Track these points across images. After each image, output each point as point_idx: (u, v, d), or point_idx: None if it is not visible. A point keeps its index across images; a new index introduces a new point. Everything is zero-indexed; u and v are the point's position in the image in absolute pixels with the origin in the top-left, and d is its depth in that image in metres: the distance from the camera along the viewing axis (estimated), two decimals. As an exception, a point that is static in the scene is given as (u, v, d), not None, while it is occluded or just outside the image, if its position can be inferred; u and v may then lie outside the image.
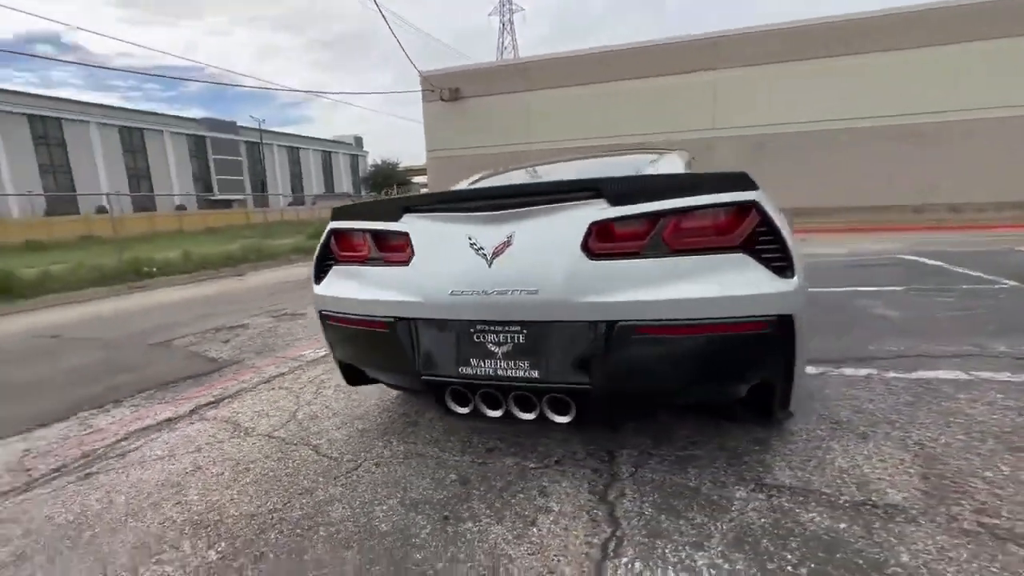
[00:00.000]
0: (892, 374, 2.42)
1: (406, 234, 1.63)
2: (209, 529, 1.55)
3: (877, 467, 1.63)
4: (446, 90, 19.54)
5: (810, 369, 2.53)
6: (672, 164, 2.21)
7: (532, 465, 1.80)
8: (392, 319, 1.64)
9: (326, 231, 1.87)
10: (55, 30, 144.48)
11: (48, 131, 38.90)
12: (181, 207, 44.95)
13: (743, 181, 1.38)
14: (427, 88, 19.96)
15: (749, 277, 1.36)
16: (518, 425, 1.94)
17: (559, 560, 1.31)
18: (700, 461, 1.75)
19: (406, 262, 1.62)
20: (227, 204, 48.27)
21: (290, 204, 52.90)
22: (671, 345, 1.41)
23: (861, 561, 1.23)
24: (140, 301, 6.64)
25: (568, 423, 1.54)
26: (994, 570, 1.17)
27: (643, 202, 1.39)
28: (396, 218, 1.66)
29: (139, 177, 45.67)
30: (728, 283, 1.36)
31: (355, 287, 1.75)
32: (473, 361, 1.55)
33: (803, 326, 1.43)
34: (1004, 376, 2.31)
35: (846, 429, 1.91)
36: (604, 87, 17.29)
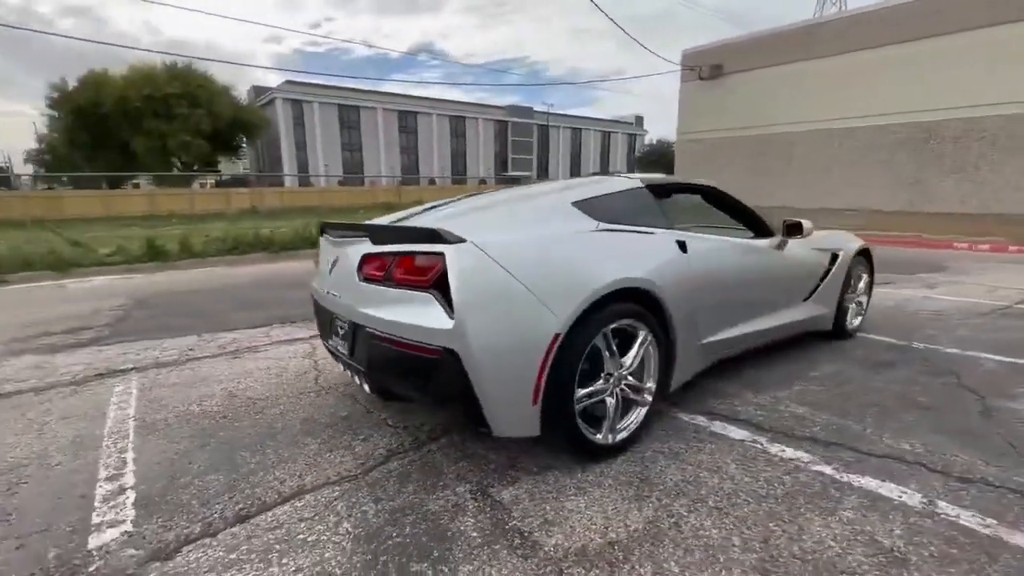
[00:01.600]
0: (826, 468, 1.98)
1: (318, 246, 2.47)
2: (230, 396, 2.81)
3: (589, 520, 1.68)
4: (705, 67, 18.30)
5: (740, 434, 2.27)
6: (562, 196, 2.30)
7: (390, 423, 2.45)
8: (315, 301, 2.53)
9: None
10: (428, 40, 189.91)
11: (408, 123, 53.19)
12: (483, 181, 55.01)
13: (437, 236, 1.70)
14: (686, 67, 19.07)
15: (431, 312, 1.69)
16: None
17: (310, 471, 2.01)
18: (482, 460, 2.08)
19: (318, 265, 2.47)
20: (516, 180, 56.52)
21: (566, 181, 57.40)
22: (389, 353, 1.85)
23: (436, 553, 1.53)
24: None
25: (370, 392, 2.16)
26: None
27: (383, 244, 1.87)
28: (320, 235, 2.51)
29: (458, 156, 57.91)
30: (417, 314, 1.72)
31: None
32: (334, 337, 2.30)
33: (477, 362, 1.66)
34: (965, 518, 1.64)
35: (628, 486, 1.86)
36: (918, 46, 13.18)
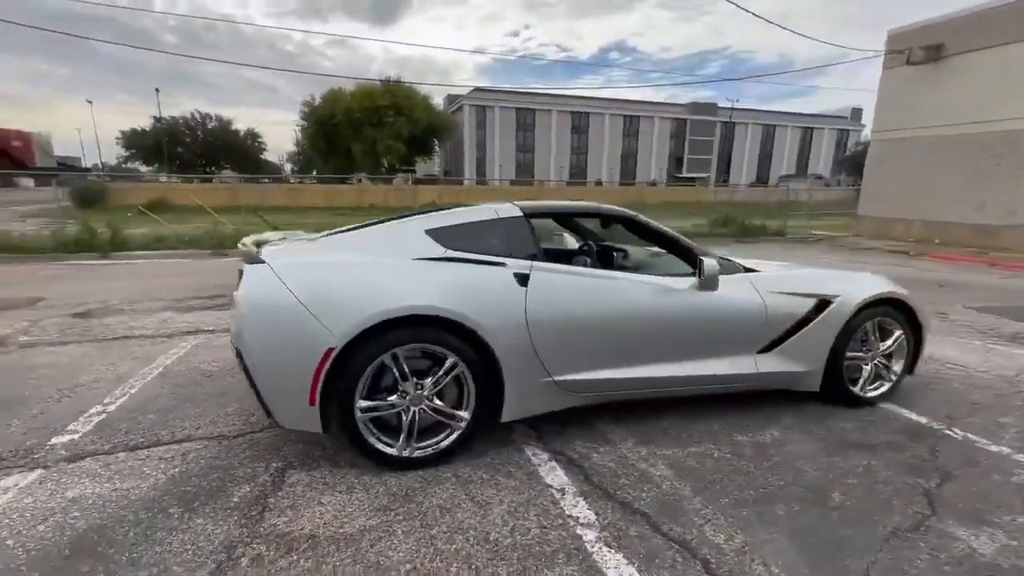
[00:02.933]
0: (591, 533, 1.84)
1: None
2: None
3: (319, 514, 1.92)
4: (918, 49, 14.89)
5: (558, 480, 2.20)
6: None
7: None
8: None
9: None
10: (622, 39, 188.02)
11: (580, 123, 54.10)
12: (653, 183, 52.98)
13: (248, 257, 2.10)
14: (891, 50, 15.75)
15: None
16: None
17: (207, 425, 2.61)
18: (315, 447, 2.43)
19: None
20: (691, 181, 52.94)
21: (750, 185, 52.38)
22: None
23: (196, 504, 1.96)
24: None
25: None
26: None
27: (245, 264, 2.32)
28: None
29: (629, 156, 56.72)
30: (236, 319, 2.16)
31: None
32: None
33: (253, 361, 2.03)
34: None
35: (386, 497, 2.01)
36: None
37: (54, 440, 2.46)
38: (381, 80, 42.82)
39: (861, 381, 2.97)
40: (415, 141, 45.57)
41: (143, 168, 48.70)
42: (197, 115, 48.80)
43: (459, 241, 2.39)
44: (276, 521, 1.88)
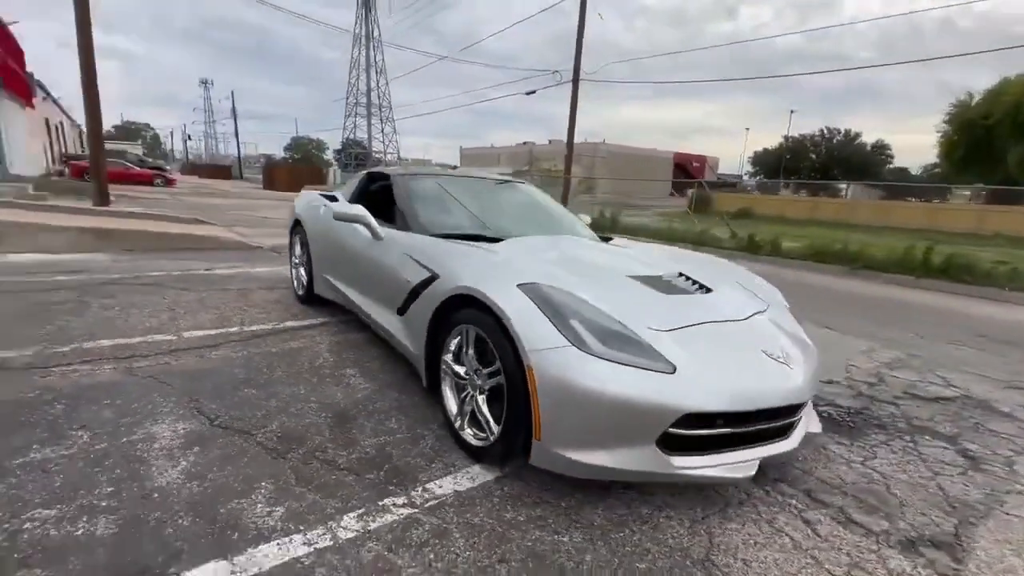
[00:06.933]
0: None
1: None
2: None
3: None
4: None
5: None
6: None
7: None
8: None
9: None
10: None
11: None
12: None
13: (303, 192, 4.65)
14: None
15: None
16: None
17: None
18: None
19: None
20: None
21: None
22: None
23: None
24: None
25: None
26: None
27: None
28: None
29: None
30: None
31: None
32: None
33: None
34: None
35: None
36: None
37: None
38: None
39: (461, 402, 2.06)
40: None
41: (767, 181, 54.87)
42: (824, 131, 49.66)
43: (343, 190, 4.01)
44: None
